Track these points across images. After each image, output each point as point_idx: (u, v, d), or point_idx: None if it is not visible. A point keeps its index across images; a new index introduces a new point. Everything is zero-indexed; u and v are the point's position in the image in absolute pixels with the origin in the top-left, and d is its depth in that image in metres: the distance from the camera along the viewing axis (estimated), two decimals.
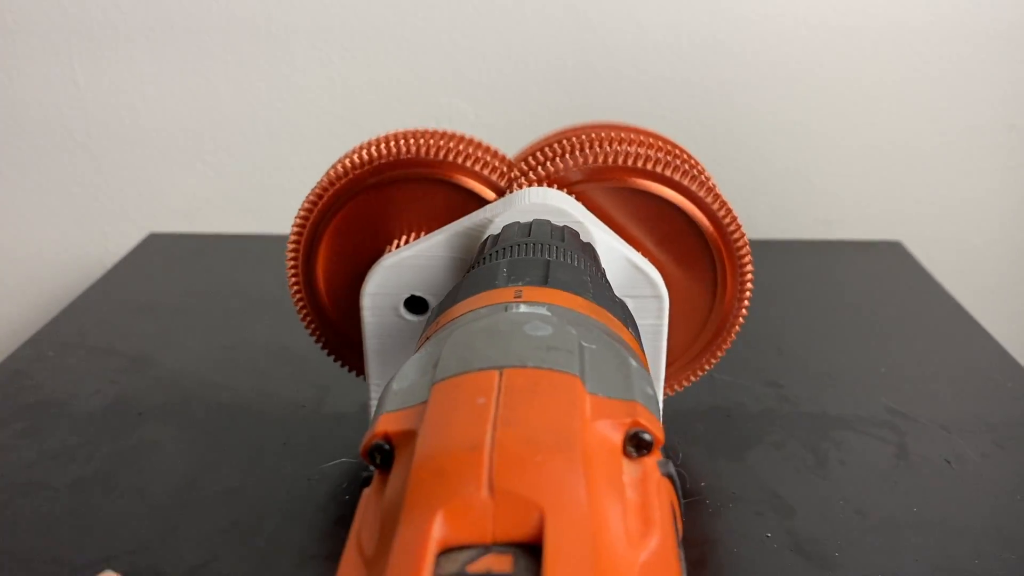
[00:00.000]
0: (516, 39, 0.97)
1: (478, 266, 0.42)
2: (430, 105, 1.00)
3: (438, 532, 0.21)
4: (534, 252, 0.41)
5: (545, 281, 0.36)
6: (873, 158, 1.01)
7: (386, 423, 0.27)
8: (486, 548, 0.21)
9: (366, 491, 0.26)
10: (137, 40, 0.98)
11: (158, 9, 0.96)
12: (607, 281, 0.45)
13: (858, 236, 1.04)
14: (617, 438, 0.25)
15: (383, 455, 0.26)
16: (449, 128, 0.61)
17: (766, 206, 1.03)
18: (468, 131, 0.61)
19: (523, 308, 0.33)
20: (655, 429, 0.26)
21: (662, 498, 0.25)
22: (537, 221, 0.47)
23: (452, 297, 0.37)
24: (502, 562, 0.21)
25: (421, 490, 0.22)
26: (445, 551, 0.21)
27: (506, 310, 0.33)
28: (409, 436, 0.26)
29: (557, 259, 0.40)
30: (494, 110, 1.00)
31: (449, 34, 0.97)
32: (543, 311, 0.32)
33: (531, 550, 0.22)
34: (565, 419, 0.25)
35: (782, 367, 0.72)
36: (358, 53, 0.98)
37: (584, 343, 0.29)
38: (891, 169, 1.01)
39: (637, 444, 0.25)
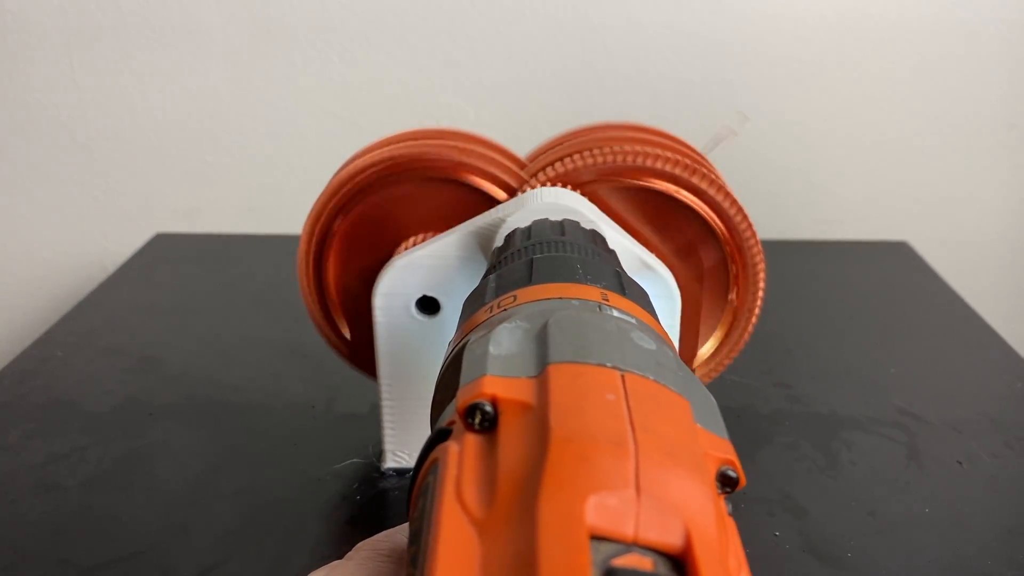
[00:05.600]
0: (516, 39, 0.97)
1: (514, 257, 0.41)
2: (430, 105, 1.00)
3: (588, 518, 0.21)
4: (600, 257, 0.41)
5: (623, 291, 0.35)
6: (875, 158, 1.01)
7: (492, 386, 0.26)
8: (627, 546, 0.21)
9: (448, 445, 0.26)
10: (137, 40, 0.97)
11: (158, 9, 0.96)
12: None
13: (864, 236, 1.04)
14: (712, 471, 0.25)
15: (484, 417, 0.26)
16: (451, 127, 0.61)
17: (771, 207, 1.03)
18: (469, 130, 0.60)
19: (616, 313, 0.32)
20: (741, 470, 0.26)
21: (736, 537, 0.25)
22: (595, 232, 0.47)
23: (518, 276, 0.37)
24: (644, 564, 0.21)
25: (564, 471, 0.22)
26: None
27: (599, 309, 0.32)
28: (521, 407, 0.26)
29: (623, 272, 0.40)
30: (494, 110, 1.00)
31: (449, 34, 0.97)
32: (633, 321, 0.32)
33: (668, 559, 0.22)
34: (693, 441, 0.25)
35: (791, 368, 0.72)
36: (358, 53, 0.98)
37: (678, 369, 0.29)
38: (894, 169, 1.02)
39: (724, 481, 0.26)
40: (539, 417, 0.24)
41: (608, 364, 0.27)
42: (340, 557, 0.43)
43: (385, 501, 0.55)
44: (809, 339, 0.78)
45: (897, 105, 0.99)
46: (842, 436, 0.62)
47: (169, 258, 0.96)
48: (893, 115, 0.99)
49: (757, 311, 0.56)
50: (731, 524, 0.25)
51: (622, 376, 0.26)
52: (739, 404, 0.66)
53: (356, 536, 0.49)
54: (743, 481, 0.26)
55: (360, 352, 0.59)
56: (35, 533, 0.52)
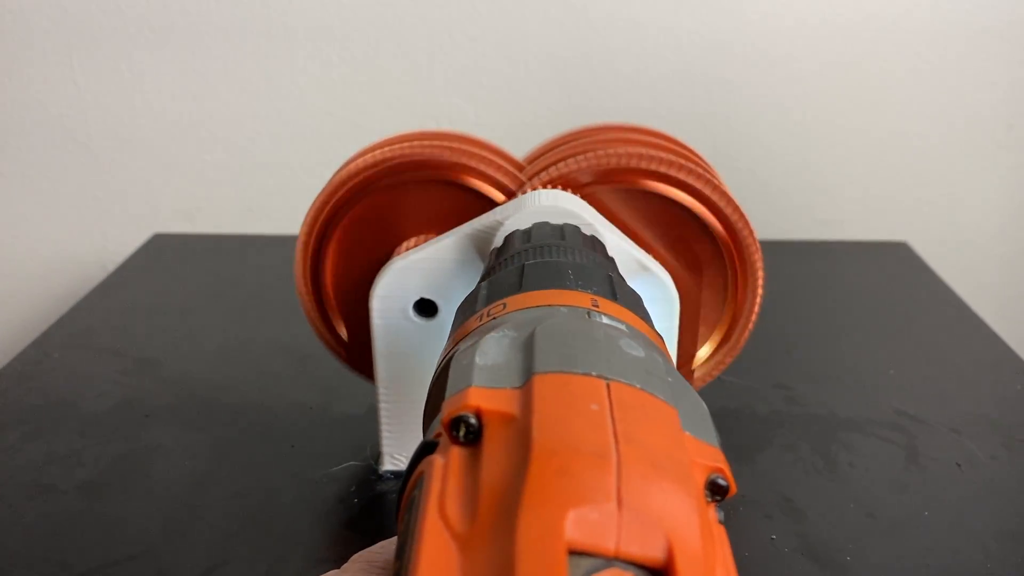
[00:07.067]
0: (516, 39, 0.97)
1: (508, 263, 0.41)
2: (430, 105, 1.00)
3: (568, 533, 0.21)
4: (593, 262, 0.41)
5: (614, 297, 0.35)
6: (875, 158, 1.01)
7: (477, 397, 0.26)
8: (608, 560, 0.21)
9: (433, 459, 0.26)
10: (137, 40, 0.97)
11: (158, 9, 0.96)
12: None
13: (864, 237, 1.04)
14: (700, 480, 0.25)
15: (468, 429, 0.25)
16: (450, 128, 0.61)
17: (771, 207, 1.03)
18: (468, 131, 0.60)
19: (605, 320, 0.32)
20: (731, 478, 0.26)
21: (726, 546, 0.24)
22: (592, 237, 0.47)
23: (508, 283, 0.37)
24: None
25: (545, 485, 0.22)
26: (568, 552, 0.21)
27: (588, 316, 0.32)
28: (505, 419, 0.25)
29: (616, 277, 0.40)
30: (494, 110, 1.00)
31: (449, 34, 0.97)
32: (623, 328, 0.32)
33: (650, 573, 0.22)
34: (679, 451, 0.25)
35: (790, 369, 0.72)
36: (358, 53, 0.98)
37: (668, 376, 0.29)
38: (894, 169, 1.01)
39: (713, 489, 0.25)
40: (522, 429, 0.24)
41: (594, 373, 0.26)
42: (337, 560, 0.43)
43: (382, 504, 0.55)
44: (808, 340, 0.77)
45: (897, 105, 0.99)
46: (841, 438, 0.62)
47: (168, 258, 0.96)
48: (893, 115, 0.99)
49: (756, 313, 0.56)
50: (721, 533, 0.25)
51: (607, 385, 0.26)
52: (737, 405, 0.66)
53: (353, 539, 0.49)
54: (733, 489, 0.25)
55: (357, 354, 0.59)
56: (31, 535, 0.52)
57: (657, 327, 0.50)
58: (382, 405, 0.55)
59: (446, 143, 0.54)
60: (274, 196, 1.04)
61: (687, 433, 0.26)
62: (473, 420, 0.25)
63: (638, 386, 0.27)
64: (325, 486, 0.57)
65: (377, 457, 0.58)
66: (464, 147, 0.54)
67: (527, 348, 0.28)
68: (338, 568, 0.34)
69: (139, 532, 0.52)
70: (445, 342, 0.50)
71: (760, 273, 0.55)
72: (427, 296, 0.52)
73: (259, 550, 0.51)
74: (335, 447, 0.61)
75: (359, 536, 0.52)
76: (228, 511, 0.54)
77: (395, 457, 0.57)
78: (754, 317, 0.56)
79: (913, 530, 0.53)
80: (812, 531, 0.53)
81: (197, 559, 0.50)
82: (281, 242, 0.98)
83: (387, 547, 0.34)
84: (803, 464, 0.59)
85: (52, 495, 0.56)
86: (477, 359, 0.28)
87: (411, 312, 0.53)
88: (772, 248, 0.93)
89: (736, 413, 0.65)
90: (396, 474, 0.57)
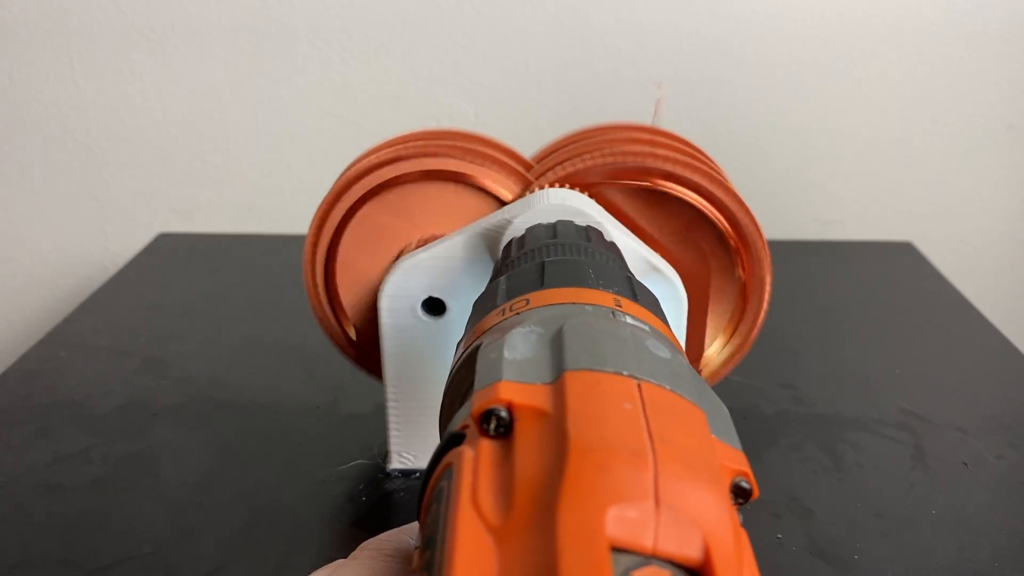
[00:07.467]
0: (516, 39, 0.97)
1: (521, 260, 0.41)
2: (430, 105, 1.00)
3: (608, 529, 0.21)
4: (610, 262, 0.41)
5: (635, 297, 0.35)
6: (878, 158, 1.01)
7: (508, 391, 0.26)
8: (646, 558, 0.21)
9: (462, 450, 0.26)
10: (137, 40, 0.97)
11: (158, 9, 0.96)
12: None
13: (868, 237, 1.04)
14: (727, 483, 0.25)
15: (499, 423, 0.25)
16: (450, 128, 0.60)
17: (775, 207, 1.03)
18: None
19: (629, 320, 0.32)
20: (754, 482, 0.26)
21: (749, 550, 0.24)
22: (591, 228, 0.47)
23: (529, 280, 0.36)
24: None
25: (583, 482, 0.22)
26: None
27: (613, 315, 0.32)
28: (537, 414, 0.25)
29: (633, 276, 0.40)
30: (494, 110, 1.00)
31: (449, 34, 0.97)
32: (647, 328, 0.32)
33: (686, 571, 0.22)
34: (709, 453, 0.25)
35: (796, 369, 0.72)
36: (358, 53, 0.98)
37: (692, 378, 0.29)
38: (897, 169, 1.02)
39: (737, 493, 0.26)
40: (556, 425, 0.24)
41: (624, 372, 0.27)
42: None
43: (390, 502, 0.55)
44: (814, 340, 0.78)
45: (898, 105, 0.99)
46: (847, 437, 0.62)
47: (171, 258, 0.96)
48: (894, 115, 0.99)
49: (763, 313, 0.56)
50: (744, 536, 0.25)
51: (638, 385, 0.26)
52: (744, 405, 0.66)
53: (361, 538, 0.49)
54: (756, 492, 0.26)
55: (366, 353, 0.59)
56: (39, 534, 0.52)
57: None
58: (390, 404, 0.55)
59: (455, 142, 0.54)
60: (274, 196, 1.04)
61: (713, 436, 0.26)
62: (504, 413, 0.25)
63: (667, 387, 0.27)
64: (333, 485, 0.57)
65: (385, 456, 0.58)
66: (473, 146, 0.54)
67: (556, 345, 0.28)
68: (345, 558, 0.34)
69: (147, 531, 0.52)
70: (454, 341, 0.50)
71: (768, 273, 0.55)
72: (436, 295, 0.52)
73: (267, 549, 0.51)
74: (343, 446, 0.61)
75: (367, 534, 0.51)
76: (236, 510, 0.54)
77: (403, 456, 0.57)
78: (762, 317, 0.56)
79: (920, 529, 0.53)
80: (819, 530, 0.53)
81: (205, 557, 0.50)
82: (283, 241, 0.98)
83: (396, 535, 0.34)
84: (810, 463, 0.60)
85: (60, 494, 0.56)
86: (506, 353, 0.28)
87: (420, 311, 0.53)
88: (777, 248, 0.93)
89: (743, 413, 0.65)
90: (404, 473, 0.57)
